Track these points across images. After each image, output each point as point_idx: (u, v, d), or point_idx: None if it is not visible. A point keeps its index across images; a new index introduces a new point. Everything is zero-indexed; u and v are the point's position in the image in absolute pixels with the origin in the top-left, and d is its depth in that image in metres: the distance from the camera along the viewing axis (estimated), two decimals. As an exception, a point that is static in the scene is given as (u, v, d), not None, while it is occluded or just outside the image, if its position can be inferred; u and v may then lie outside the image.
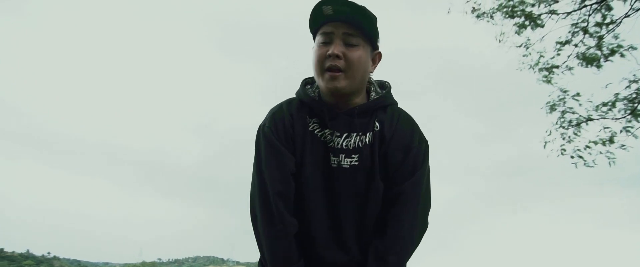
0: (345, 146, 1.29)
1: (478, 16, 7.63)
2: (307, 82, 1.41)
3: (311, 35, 1.34)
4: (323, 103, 1.32)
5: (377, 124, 1.31)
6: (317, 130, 1.31)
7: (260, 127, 1.35)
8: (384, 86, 1.41)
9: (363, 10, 1.25)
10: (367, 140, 1.29)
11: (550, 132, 6.93)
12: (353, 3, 1.24)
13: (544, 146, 6.89)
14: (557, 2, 6.89)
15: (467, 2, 7.49)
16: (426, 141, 1.36)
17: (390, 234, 1.27)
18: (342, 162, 1.29)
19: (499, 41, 7.29)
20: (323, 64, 1.25)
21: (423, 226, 1.33)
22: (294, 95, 1.40)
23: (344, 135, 1.29)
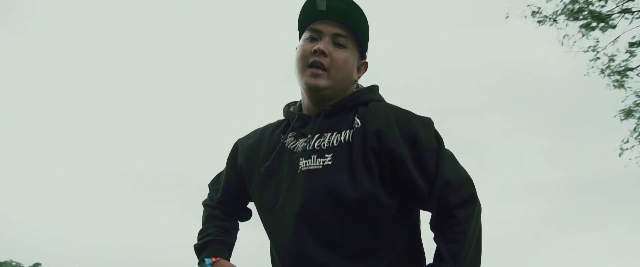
0: (317, 146, 1.13)
1: (540, 21, 7.26)
2: (291, 105, 1.30)
3: (298, 34, 1.24)
4: (297, 113, 1.21)
5: (357, 120, 1.13)
6: (291, 144, 1.18)
7: None
8: (370, 88, 1.26)
9: (359, 12, 1.16)
10: (343, 138, 1.12)
11: (628, 139, 6.38)
12: (351, 1, 1.15)
13: (620, 155, 6.36)
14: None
15: (528, 5, 7.17)
16: (429, 118, 1.16)
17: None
18: (313, 164, 1.11)
19: (562, 44, 6.87)
20: (307, 59, 1.13)
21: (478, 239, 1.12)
22: None
23: (316, 136, 1.14)
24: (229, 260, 1.24)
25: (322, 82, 1.12)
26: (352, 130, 1.12)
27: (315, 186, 1.09)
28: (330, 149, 1.11)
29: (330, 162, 1.10)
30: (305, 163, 1.12)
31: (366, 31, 1.19)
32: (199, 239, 1.28)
